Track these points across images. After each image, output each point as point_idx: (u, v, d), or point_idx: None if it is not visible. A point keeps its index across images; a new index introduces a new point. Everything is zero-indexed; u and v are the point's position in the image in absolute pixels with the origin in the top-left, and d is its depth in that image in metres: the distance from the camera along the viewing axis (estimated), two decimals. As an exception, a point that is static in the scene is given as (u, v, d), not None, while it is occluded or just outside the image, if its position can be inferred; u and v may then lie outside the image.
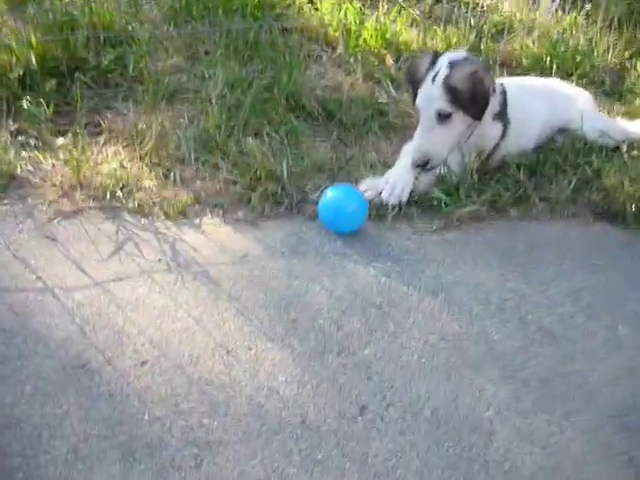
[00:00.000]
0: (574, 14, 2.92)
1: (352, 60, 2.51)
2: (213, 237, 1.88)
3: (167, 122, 2.16)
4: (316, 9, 2.89)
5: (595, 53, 2.62)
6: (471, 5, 2.98)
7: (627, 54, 2.72)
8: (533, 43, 2.68)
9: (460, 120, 1.95)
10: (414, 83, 1.97)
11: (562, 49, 2.59)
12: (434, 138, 1.96)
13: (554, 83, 2.36)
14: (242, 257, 1.82)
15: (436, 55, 1.97)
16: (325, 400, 1.48)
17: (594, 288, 1.80)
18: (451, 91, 1.89)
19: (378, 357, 1.58)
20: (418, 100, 1.96)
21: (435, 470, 1.36)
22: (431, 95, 1.92)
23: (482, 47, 2.67)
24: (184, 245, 1.84)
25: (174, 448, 1.37)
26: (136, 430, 1.40)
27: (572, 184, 2.07)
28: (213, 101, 2.25)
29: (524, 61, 2.65)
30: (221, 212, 1.95)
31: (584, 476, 1.37)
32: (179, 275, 1.75)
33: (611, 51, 2.67)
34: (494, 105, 2.01)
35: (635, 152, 2.19)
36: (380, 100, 2.37)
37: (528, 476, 1.36)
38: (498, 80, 2.15)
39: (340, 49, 2.54)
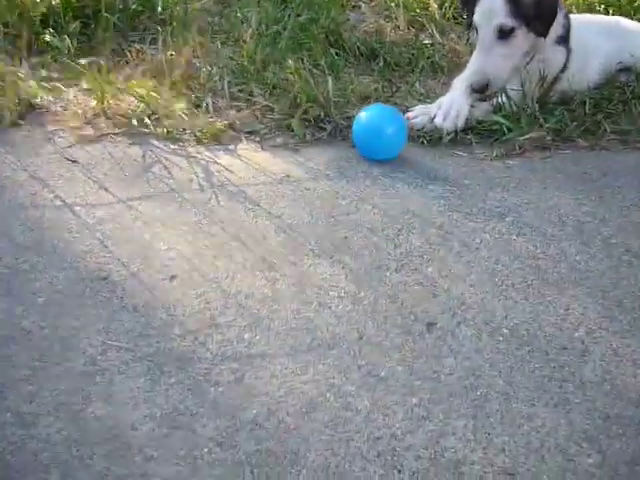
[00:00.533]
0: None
1: (393, 5, 2.37)
2: (250, 161, 1.68)
3: (198, 55, 2.01)
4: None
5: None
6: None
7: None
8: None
9: (523, 37, 1.75)
10: (470, -1, 1.81)
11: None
12: (494, 58, 1.76)
13: (618, 19, 2.18)
14: (282, 178, 1.62)
15: (495, -34, 1.80)
16: (385, 316, 1.26)
17: (684, 213, 1.59)
18: (514, 2, 1.70)
19: (444, 275, 1.36)
20: (476, 16, 1.76)
21: (522, 390, 1.13)
22: (492, 8, 1.72)
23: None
24: (218, 167, 1.65)
25: (209, 362, 1.16)
26: (164, 343, 1.19)
27: (645, 116, 1.88)
28: (247, 39, 2.10)
29: (575, 10, 2.48)
30: (258, 139, 1.77)
31: (702, 402, 1.14)
32: (213, 194, 1.56)
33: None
34: (558, 26, 1.83)
35: None
36: (425, 42, 2.22)
37: (635, 398, 1.13)
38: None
39: (380, -5, 2.41)
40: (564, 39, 1.87)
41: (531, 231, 1.50)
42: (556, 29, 1.82)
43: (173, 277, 1.33)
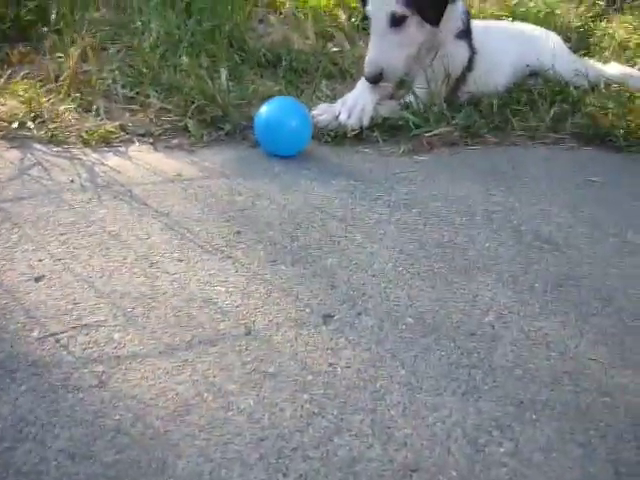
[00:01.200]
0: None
1: (302, 17, 2.32)
2: (140, 162, 1.55)
3: (89, 59, 1.89)
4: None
5: (558, 12, 2.51)
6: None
7: (589, 16, 2.61)
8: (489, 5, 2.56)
9: (416, 27, 1.71)
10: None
11: (522, 9, 2.47)
12: (387, 47, 1.70)
13: (521, 25, 2.20)
14: (174, 177, 1.49)
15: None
16: (277, 309, 1.13)
17: (593, 201, 1.53)
18: (406, -11, 1.67)
19: (344, 266, 1.25)
20: (369, 5, 1.71)
21: (427, 380, 1.02)
22: (384, -5, 1.70)
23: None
24: (104, 168, 1.51)
25: (71, 366, 1.00)
26: (19, 348, 1.03)
27: (552, 113, 1.86)
28: (147, 48, 2.00)
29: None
30: (151, 140, 1.64)
31: (616, 381, 1.05)
32: (95, 194, 1.41)
33: (573, 13, 2.57)
34: (456, 20, 1.79)
35: (614, 87, 2.02)
36: (334, 49, 2.17)
37: (549, 382, 1.04)
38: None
39: (288, 6, 2.35)
40: (465, 34, 1.85)
41: (439, 221, 1.42)
42: (455, 23, 1.80)
43: (39, 278, 1.17)
